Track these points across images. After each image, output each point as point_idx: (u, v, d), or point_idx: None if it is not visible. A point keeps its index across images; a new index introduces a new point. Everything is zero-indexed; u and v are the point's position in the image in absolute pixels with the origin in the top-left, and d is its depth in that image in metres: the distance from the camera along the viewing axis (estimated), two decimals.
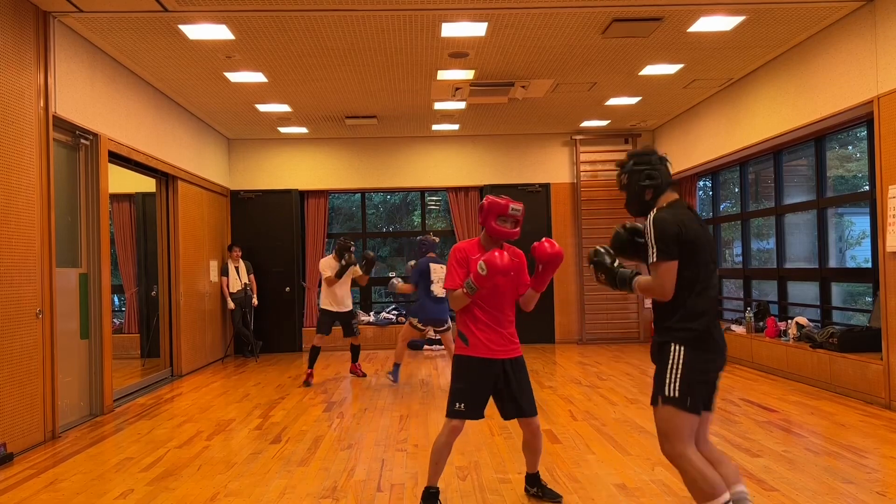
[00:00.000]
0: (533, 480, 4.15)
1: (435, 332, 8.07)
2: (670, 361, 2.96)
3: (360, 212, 12.69)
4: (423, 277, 7.81)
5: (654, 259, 2.97)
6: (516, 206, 3.94)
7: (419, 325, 7.90)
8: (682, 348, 2.94)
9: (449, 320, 7.91)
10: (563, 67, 8.05)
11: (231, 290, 10.77)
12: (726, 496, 2.84)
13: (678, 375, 2.92)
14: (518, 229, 3.99)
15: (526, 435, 4.03)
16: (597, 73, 8.35)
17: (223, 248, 11.19)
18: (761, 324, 8.70)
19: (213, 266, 10.62)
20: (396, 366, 8.24)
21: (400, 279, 8.26)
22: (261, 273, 11.44)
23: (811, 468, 4.51)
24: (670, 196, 3.13)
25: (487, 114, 10.33)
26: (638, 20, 6.57)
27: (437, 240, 8.25)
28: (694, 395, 2.90)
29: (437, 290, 7.73)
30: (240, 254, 10.98)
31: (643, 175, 3.12)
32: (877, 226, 6.35)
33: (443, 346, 11.30)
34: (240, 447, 5.43)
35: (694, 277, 2.95)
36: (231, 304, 10.73)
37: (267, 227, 11.68)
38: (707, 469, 2.86)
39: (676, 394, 2.92)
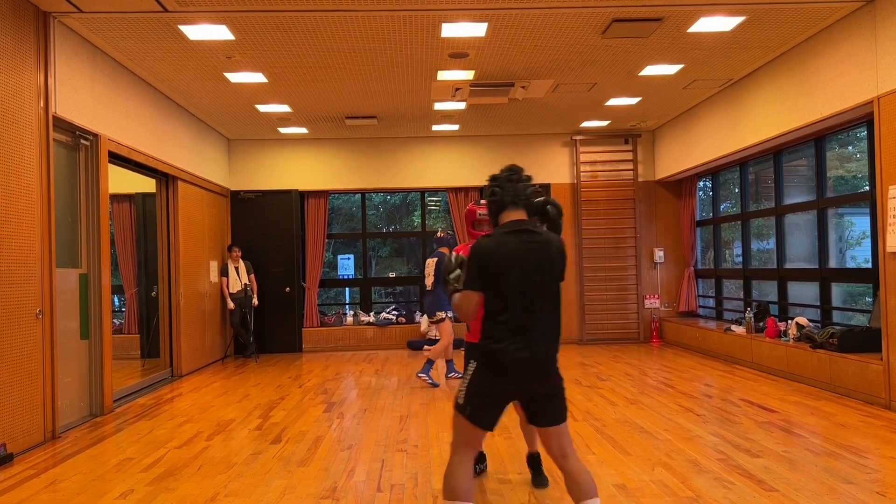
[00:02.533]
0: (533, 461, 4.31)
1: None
2: (467, 372, 3.17)
3: (360, 212, 12.69)
4: None
5: (462, 286, 3.16)
6: (483, 212, 4.22)
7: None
8: (476, 366, 3.11)
9: (439, 314, 8.18)
10: (563, 67, 8.05)
11: (231, 291, 10.77)
12: None
13: (466, 386, 3.11)
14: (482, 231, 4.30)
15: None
16: (597, 74, 8.35)
17: (223, 248, 11.19)
18: (761, 324, 8.70)
19: (213, 266, 10.62)
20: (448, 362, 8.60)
21: None
22: (261, 273, 11.44)
23: (811, 468, 4.51)
24: (511, 215, 3.16)
25: (487, 114, 10.33)
26: (638, 20, 6.57)
27: (442, 235, 8.68)
28: (474, 408, 3.06)
29: (426, 282, 8.37)
30: (240, 254, 10.98)
31: (489, 191, 3.24)
32: (877, 226, 6.35)
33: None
34: (240, 447, 5.43)
35: (496, 307, 3.06)
36: (231, 305, 10.74)
37: (267, 228, 11.67)
38: (462, 477, 3.07)
39: (461, 401, 3.11)
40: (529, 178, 3.25)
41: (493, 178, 3.24)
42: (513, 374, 3.04)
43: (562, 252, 3.16)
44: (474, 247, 3.11)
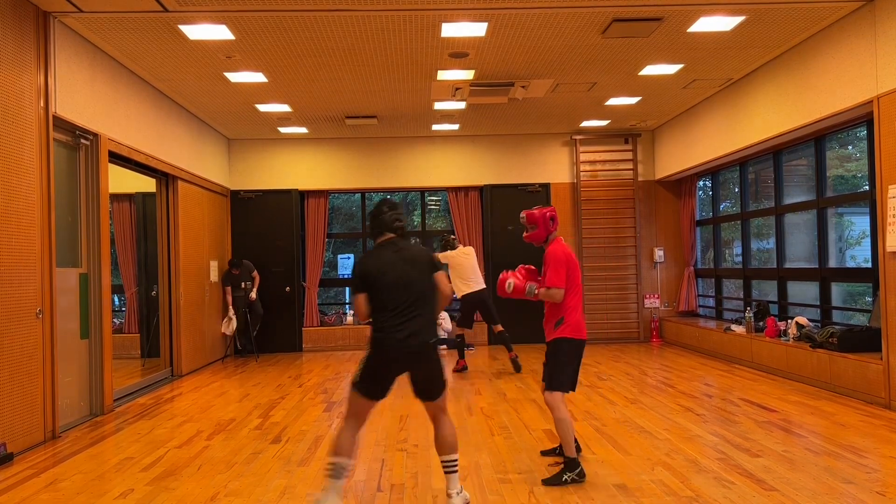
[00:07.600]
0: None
1: None
2: (364, 357, 3.89)
3: (360, 212, 12.69)
4: None
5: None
6: (522, 215, 4.65)
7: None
8: (369, 350, 3.86)
9: None
10: (563, 67, 8.05)
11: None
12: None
13: (358, 367, 3.86)
14: (526, 234, 4.68)
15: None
16: (597, 73, 8.35)
17: (223, 248, 11.19)
18: (761, 324, 8.70)
19: (214, 266, 10.62)
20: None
21: None
22: (261, 273, 11.41)
23: (811, 468, 4.51)
24: (384, 237, 3.94)
25: (487, 114, 10.33)
26: (638, 20, 6.57)
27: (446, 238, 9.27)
28: (365, 383, 3.81)
29: None
30: (238, 272, 10.87)
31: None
32: (877, 226, 6.35)
33: (443, 347, 11.32)
34: (240, 447, 5.44)
35: (376, 301, 3.83)
36: (231, 313, 10.74)
37: (267, 227, 11.68)
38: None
39: (357, 378, 3.85)
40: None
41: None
42: (397, 353, 3.79)
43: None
44: (359, 260, 4.03)
